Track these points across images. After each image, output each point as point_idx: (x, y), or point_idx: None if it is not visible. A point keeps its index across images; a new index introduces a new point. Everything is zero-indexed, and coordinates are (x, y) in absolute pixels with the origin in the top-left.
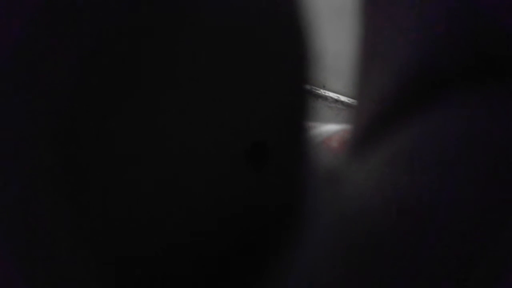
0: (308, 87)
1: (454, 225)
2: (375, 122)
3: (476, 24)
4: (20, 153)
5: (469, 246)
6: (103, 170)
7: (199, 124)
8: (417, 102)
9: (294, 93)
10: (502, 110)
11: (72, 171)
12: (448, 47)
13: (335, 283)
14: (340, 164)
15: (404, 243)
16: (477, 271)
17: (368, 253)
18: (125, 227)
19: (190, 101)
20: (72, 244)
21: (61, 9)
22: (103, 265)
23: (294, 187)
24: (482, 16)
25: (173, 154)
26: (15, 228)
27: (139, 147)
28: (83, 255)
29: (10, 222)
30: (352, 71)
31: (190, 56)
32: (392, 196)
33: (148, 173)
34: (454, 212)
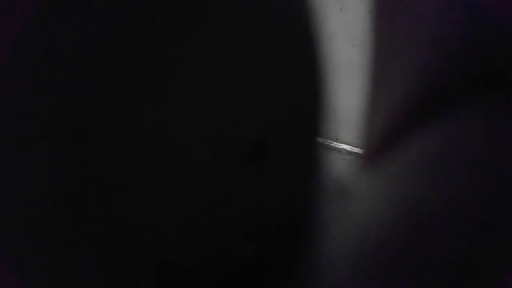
0: (321, 140)
1: (455, 229)
2: (385, 137)
3: (486, 38)
4: (21, 155)
5: (469, 247)
6: (104, 171)
7: (199, 123)
8: (425, 116)
9: (301, 97)
10: (505, 122)
11: (73, 173)
12: (457, 62)
13: None
14: (351, 177)
15: (409, 246)
16: (477, 271)
17: (379, 265)
18: (125, 229)
19: (191, 102)
20: (72, 246)
21: (61, 9)
22: (103, 267)
23: (297, 193)
24: (491, 30)
25: (173, 154)
26: (15, 230)
27: (140, 147)
28: (83, 257)
29: (10, 224)
30: (362, 89)
31: (193, 57)
32: (403, 208)
33: (148, 173)
34: (456, 217)
